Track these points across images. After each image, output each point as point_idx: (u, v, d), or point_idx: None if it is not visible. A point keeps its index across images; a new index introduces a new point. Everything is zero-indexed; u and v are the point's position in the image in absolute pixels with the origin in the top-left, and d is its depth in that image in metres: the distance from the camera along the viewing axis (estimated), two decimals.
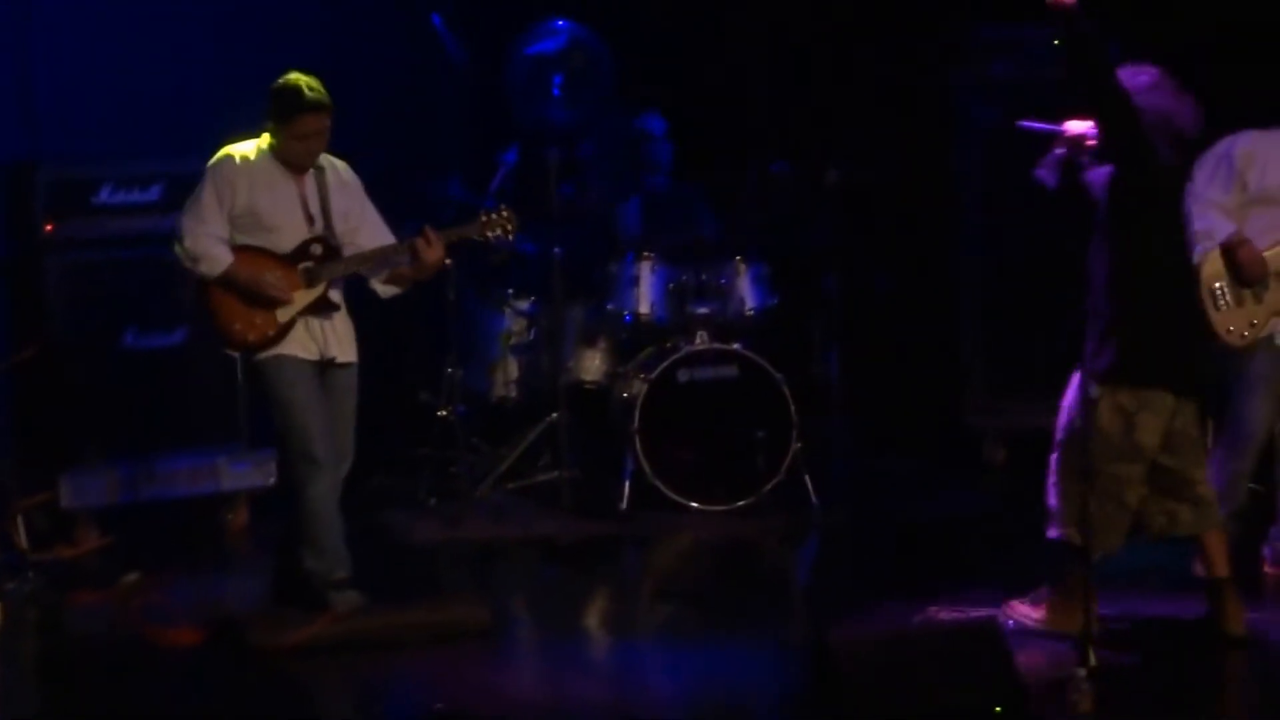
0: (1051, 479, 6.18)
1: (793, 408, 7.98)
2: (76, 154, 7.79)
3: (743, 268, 8.28)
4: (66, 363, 7.51)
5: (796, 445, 7.96)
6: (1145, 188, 6.00)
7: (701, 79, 9.25)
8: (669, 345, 8.18)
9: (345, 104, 8.56)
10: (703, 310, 8.23)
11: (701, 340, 8.15)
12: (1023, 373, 8.69)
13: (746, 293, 8.28)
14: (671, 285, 8.26)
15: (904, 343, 9.23)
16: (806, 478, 8.00)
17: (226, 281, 6.33)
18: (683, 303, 8.25)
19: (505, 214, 6.64)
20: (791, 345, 8.69)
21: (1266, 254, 6.58)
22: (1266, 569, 6.91)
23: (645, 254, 8.28)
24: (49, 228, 7.49)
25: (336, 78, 8.49)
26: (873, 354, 9.05)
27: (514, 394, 8.42)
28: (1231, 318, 6.59)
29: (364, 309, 8.29)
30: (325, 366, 6.45)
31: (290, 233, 6.43)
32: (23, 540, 7.10)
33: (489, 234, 6.65)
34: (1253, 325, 6.61)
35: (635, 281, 8.26)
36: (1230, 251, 6.54)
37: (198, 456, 7.68)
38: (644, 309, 8.25)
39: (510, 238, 6.72)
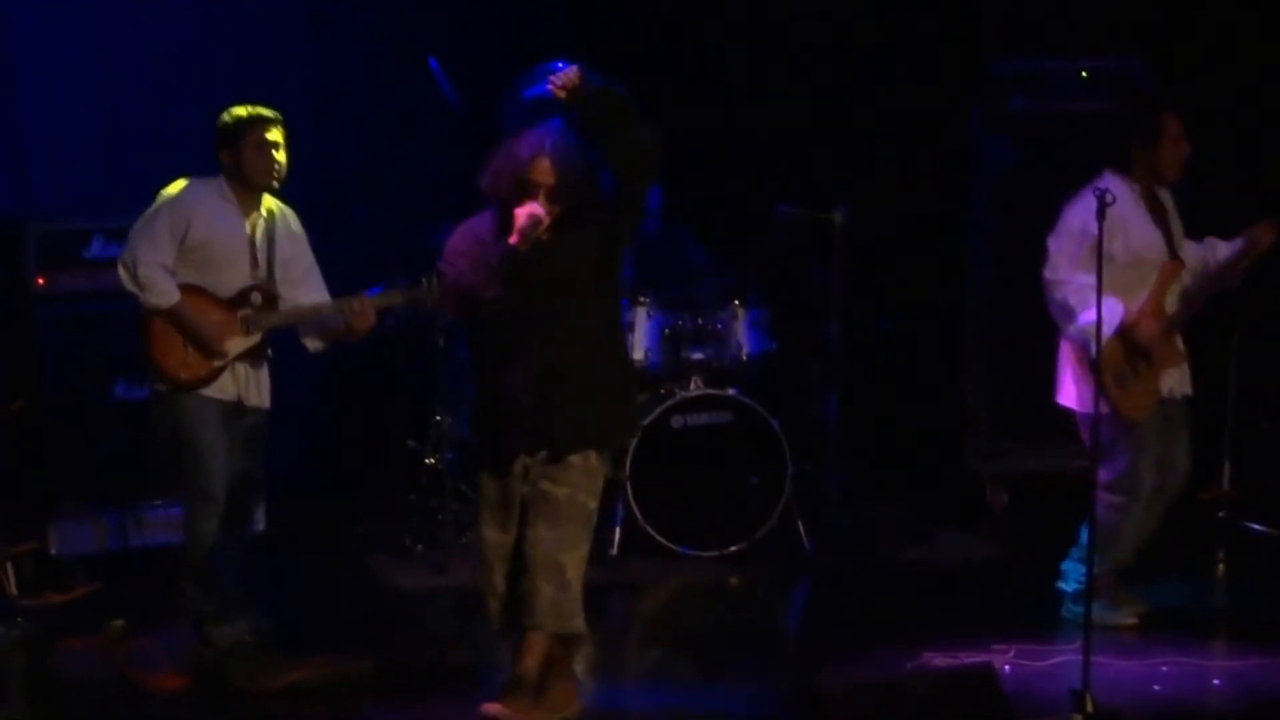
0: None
1: (788, 453, 7.93)
2: (67, 208, 7.85)
3: (741, 313, 8.24)
4: (56, 413, 7.54)
5: (789, 491, 7.90)
6: None
7: (705, 116, 9.13)
8: (663, 391, 8.14)
9: (336, 150, 8.65)
10: (698, 356, 8.19)
11: (696, 386, 8.11)
12: (1027, 416, 8.62)
13: (744, 338, 8.24)
14: (667, 330, 8.23)
15: (906, 387, 9.17)
16: (799, 524, 7.95)
17: (171, 316, 6.37)
18: (678, 348, 8.21)
19: (433, 284, 6.43)
20: (790, 390, 8.63)
21: (1146, 313, 6.55)
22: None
23: (640, 299, 8.24)
24: (40, 281, 7.53)
25: (326, 126, 8.61)
26: (874, 398, 8.99)
27: None
28: (1135, 394, 6.59)
29: (352, 357, 8.35)
30: (237, 408, 6.49)
31: (234, 276, 6.47)
32: (12, 586, 7.16)
33: (415, 301, 6.51)
34: (1153, 393, 6.61)
35: (630, 328, 8.22)
36: (1129, 332, 6.53)
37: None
38: (638, 355, 8.20)
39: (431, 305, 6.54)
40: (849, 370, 8.53)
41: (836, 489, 8.47)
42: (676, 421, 8.01)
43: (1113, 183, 6.47)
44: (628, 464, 7.86)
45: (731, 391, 8.07)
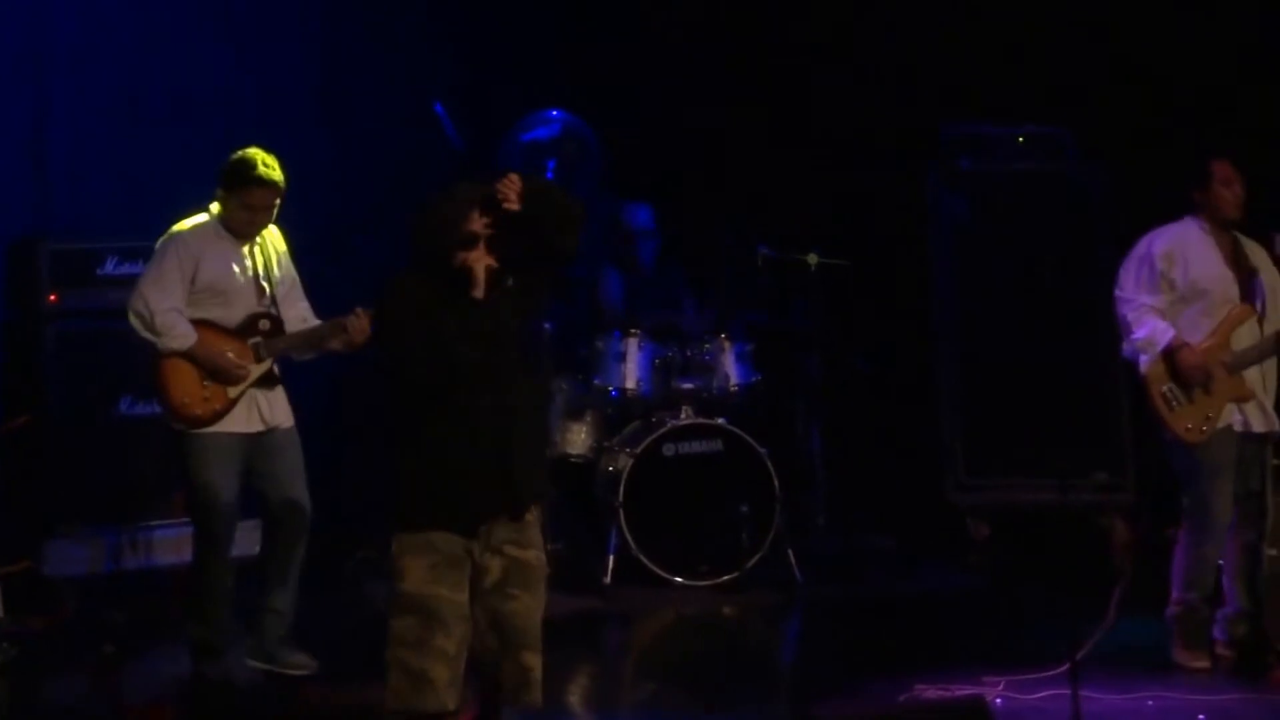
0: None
1: (777, 482, 8.00)
2: (84, 227, 7.88)
3: (727, 344, 8.34)
4: (58, 430, 7.55)
5: (779, 520, 7.96)
6: None
7: (691, 168, 9.42)
8: (654, 420, 8.20)
9: (345, 189, 8.79)
10: (688, 385, 8.27)
11: (686, 415, 8.18)
12: (1003, 450, 8.75)
13: (731, 369, 8.33)
14: (657, 361, 8.32)
15: (886, 421, 9.28)
16: (790, 553, 8.00)
17: (188, 356, 6.42)
18: (668, 378, 8.29)
19: None
20: (774, 422, 8.72)
21: (1204, 347, 6.68)
22: (1219, 651, 6.84)
23: (632, 331, 8.33)
24: (52, 298, 7.59)
25: (336, 164, 8.73)
26: (855, 431, 9.10)
27: None
28: (1187, 416, 6.69)
29: (348, 382, 8.40)
30: (262, 434, 6.53)
31: (241, 305, 6.55)
32: None
33: None
34: (1209, 419, 6.70)
35: (622, 357, 8.31)
36: (1171, 355, 6.68)
37: (182, 525, 7.63)
38: (630, 384, 8.28)
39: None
40: (830, 404, 8.62)
41: (822, 519, 8.54)
42: (668, 450, 8.07)
43: (1188, 222, 6.83)
44: (621, 492, 7.92)
45: (722, 420, 8.14)
